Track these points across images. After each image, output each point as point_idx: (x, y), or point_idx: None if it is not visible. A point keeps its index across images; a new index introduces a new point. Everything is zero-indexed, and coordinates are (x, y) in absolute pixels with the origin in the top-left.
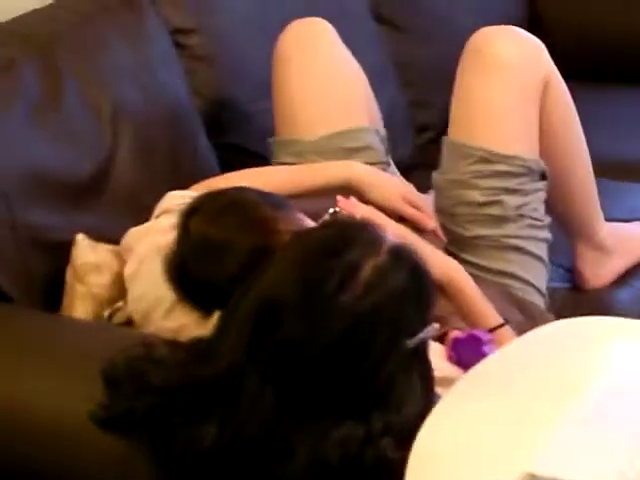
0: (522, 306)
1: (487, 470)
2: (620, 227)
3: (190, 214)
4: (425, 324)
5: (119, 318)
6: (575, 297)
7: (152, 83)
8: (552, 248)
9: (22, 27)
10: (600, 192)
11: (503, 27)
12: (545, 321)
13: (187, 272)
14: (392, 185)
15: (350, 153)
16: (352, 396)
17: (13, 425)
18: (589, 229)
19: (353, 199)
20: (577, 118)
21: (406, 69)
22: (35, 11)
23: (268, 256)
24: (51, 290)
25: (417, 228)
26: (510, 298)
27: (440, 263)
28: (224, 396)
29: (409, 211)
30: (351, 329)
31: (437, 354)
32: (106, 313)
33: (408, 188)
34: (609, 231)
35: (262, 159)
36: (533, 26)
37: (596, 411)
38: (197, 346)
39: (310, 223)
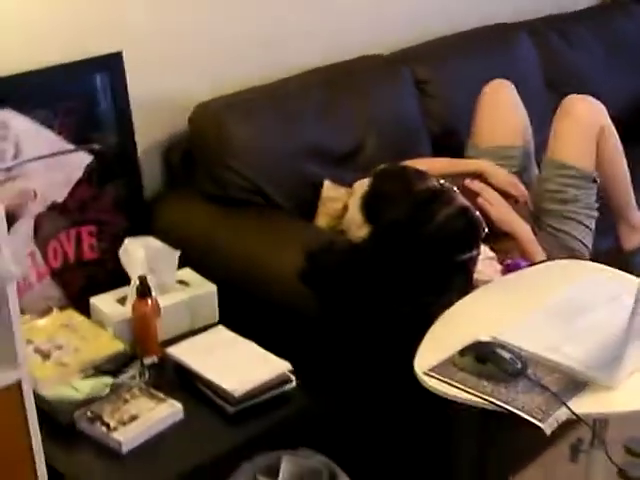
0: (570, 253)
1: (475, 331)
2: None
3: (374, 176)
4: (472, 250)
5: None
6: (615, 252)
7: (396, 108)
8: (608, 227)
9: (327, 70)
10: None
11: (582, 96)
12: None
13: (369, 207)
14: (504, 175)
15: (500, 158)
16: (424, 284)
17: (261, 268)
18: (626, 214)
19: (477, 181)
20: (622, 151)
21: None
22: (333, 64)
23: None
24: (308, 207)
25: (515, 200)
26: (562, 247)
27: (514, 223)
28: (360, 269)
29: (512, 190)
30: (428, 245)
31: (494, 268)
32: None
33: (514, 179)
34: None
35: (454, 153)
36: None
37: (554, 312)
38: (358, 246)
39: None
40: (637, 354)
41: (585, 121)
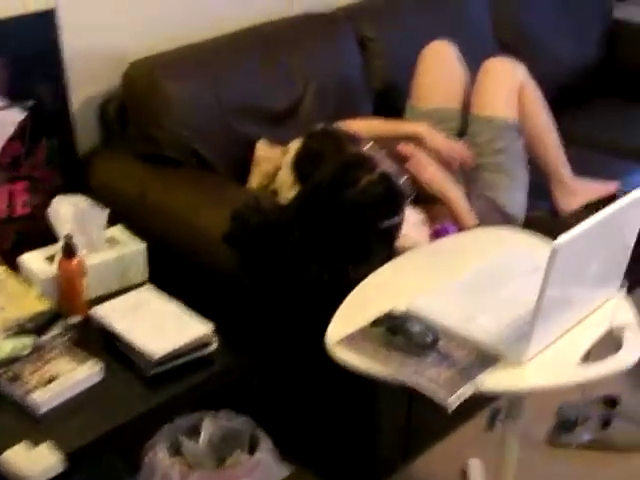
0: (503, 214)
1: (393, 301)
2: (583, 180)
3: (307, 137)
4: (393, 217)
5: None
6: (550, 219)
7: (337, 65)
8: (540, 189)
9: (265, 28)
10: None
11: (500, 57)
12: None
13: (299, 168)
14: (441, 140)
15: (439, 121)
16: (344, 250)
17: (190, 228)
18: (559, 175)
19: (411, 145)
20: (545, 105)
21: None
22: (272, 22)
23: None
24: (241, 168)
25: (448, 164)
26: (495, 208)
27: (445, 188)
28: (282, 231)
29: (452, 154)
30: (349, 210)
31: (423, 233)
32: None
33: (451, 143)
34: (575, 179)
35: (398, 113)
36: None
37: (470, 284)
38: (282, 208)
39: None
40: (548, 329)
41: (503, 75)
